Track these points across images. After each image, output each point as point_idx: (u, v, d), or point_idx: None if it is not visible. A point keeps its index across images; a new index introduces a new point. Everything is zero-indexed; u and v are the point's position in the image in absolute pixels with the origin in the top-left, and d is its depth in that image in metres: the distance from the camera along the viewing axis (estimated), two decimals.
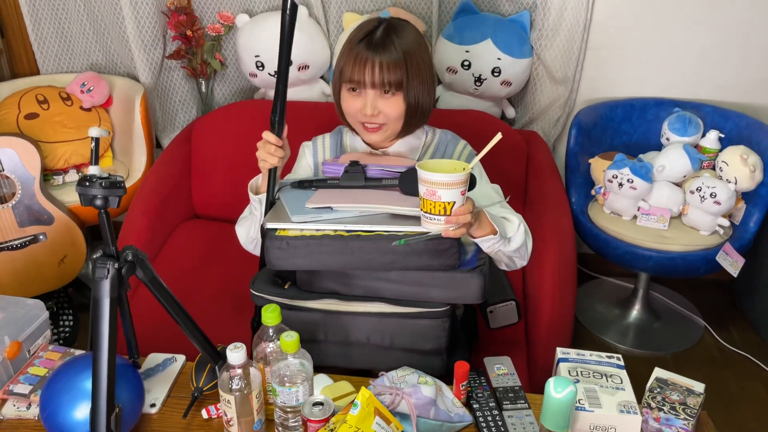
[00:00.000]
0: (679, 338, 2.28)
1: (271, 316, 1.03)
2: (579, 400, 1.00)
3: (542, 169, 2.00)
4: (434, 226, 1.06)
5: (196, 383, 1.12)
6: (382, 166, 1.24)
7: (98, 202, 0.92)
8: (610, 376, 1.07)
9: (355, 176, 1.23)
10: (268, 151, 1.24)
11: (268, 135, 1.24)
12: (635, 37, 2.20)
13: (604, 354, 1.12)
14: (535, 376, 1.52)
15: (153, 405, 1.13)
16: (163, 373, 1.20)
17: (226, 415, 1.01)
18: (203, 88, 2.38)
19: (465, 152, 1.38)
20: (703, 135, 2.12)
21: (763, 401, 2.02)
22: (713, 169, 2.07)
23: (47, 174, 2.17)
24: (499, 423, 1.07)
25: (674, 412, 1.01)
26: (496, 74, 2.13)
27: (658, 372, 1.08)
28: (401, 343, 1.20)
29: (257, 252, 1.35)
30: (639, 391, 1.05)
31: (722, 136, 2.10)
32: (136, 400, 1.07)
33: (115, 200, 0.92)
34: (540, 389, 0.99)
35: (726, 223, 1.96)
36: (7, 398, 1.12)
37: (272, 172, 1.26)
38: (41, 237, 2.03)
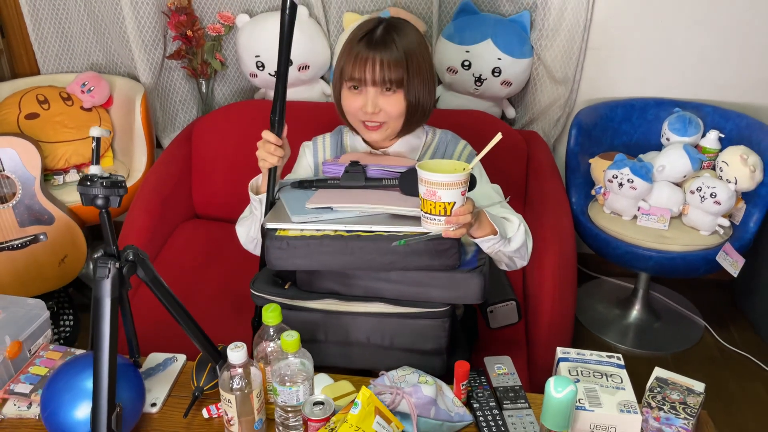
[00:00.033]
0: (680, 338, 2.29)
1: (271, 315, 1.04)
2: (579, 399, 1.00)
3: (542, 169, 2.00)
4: (434, 226, 1.06)
5: (197, 383, 1.12)
6: (383, 166, 1.24)
7: (99, 202, 0.92)
8: (611, 375, 1.07)
9: (356, 176, 1.23)
10: (268, 150, 1.24)
11: (267, 134, 1.24)
12: (635, 37, 2.21)
13: (604, 353, 1.12)
14: (535, 376, 1.52)
15: (154, 404, 1.13)
16: (164, 373, 1.20)
17: (227, 415, 1.01)
18: (203, 88, 2.38)
19: (465, 152, 1.38)
20: (704, 135, 2.12)
21: (764, 401, 2.02)
22: (713, 169, 2.07)
23: (48, 174, 2.17)
24: (500, 422, 1.07)
25: (674, 412, 1.01)
26: (496, 74, 2.13)
27: (658, 371, 1.08)
28: (401, 343, 1.20)
29: (257, 252, 1.35)
30: (639, 391, 1.05)
31: (722, 136, 2.10)
32: (137, 400, 1.07)
33: (116, 200, 0.93)
34: (540, 389, 0.99)
35: (726, 223, 1.96)
36: (8, 398, 1.12)
37: (272, 171, 1.27)
38: (42, 237, 2.04)
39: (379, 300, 1.18)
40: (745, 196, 2.01)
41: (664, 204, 1.99)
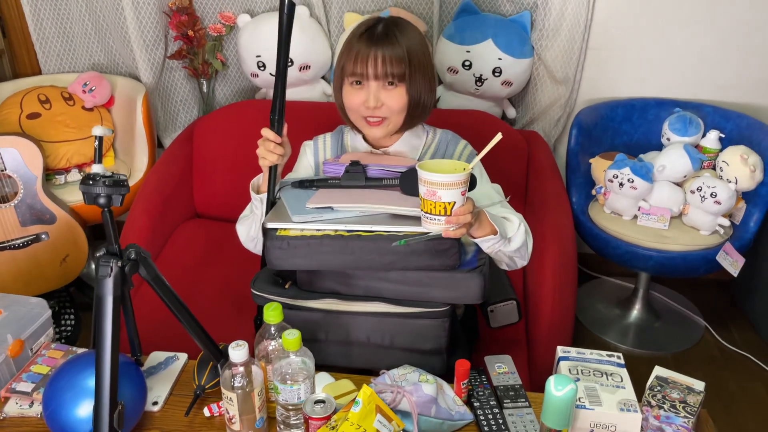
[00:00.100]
0: (680, 338, 2.29)
1: (272, 314, 1.04)
2: (579, 398, 1.00)
3: (543, 169, 2.00)
4: (434, 226, 1.07)
5: (198, 381, 1.13)
6: (383, 166, 1.24)
7: (102, 201, 0.93)
8: (611, 374, 1.07)
9: (356, 176, 1.24)
10: (268, 148, 1.24)
11: (266, 132, 1.25)
12: (636, 37, 2.21)
13: (604, 352, 1.12)
14: (535, 375, 1.52)
15: (155, 403, 1.13)
16: (166, 371, 1.20)
17: (228, 413, 1.01)
18: (204, 88, 2.38)
19: (465, 152, 1.38)
20: (704, 135, 2.13)
21: (764, 401, 2.02)
22: (713, 169, 2.08)
23: (49, 173, 2.17)
24: (500, 421, 1.07)
25: (674, 410, 1.01)
26: (496, 74, 2.14)
27: (658, 370, 1.08)
28: (401, 342, 1.20)
29: (257, 251, 1.35)
30: (639, 390, 1.05)
31: (722, 136, 2.10)
32: (139, 398, 1.07)
33: (119, 198, 0.93)
34: (540, 388, 1.00)
35: (726, 222, 1.96)
36: (10, 396, 1.13)
37: (273, 170, 1.27)
38: (43, 236, 2.04)
39: (380, 300, 1.18)
40: (746, 195, 2.01)
41: (665, 204, 1.99)
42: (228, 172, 2.11)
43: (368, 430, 0.92)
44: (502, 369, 1.18)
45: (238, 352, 0.98)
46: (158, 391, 1.15)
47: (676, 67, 2.23)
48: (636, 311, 2.36)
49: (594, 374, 1.06)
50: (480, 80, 2.15)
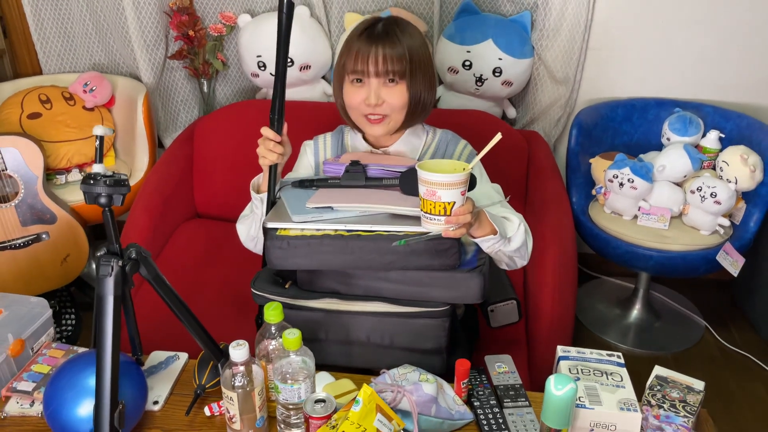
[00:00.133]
0: (680, 338, 2.29)
1: (273, 313, 1.04)
2: (579, 397, 1.01)
3: (543, 169, 2.00)
4: (434, 226, 1.07)
5: (199, 380, 1.13)
6: (383, 166, 1.24)
7: (102, 200, 0.93)
8: (611, 374, 1.07)
9: (356, 176, 1.24)
10: (267, 147, 1.24)
11: (266, 131, 1.25)
12: (636, 37, 2.21)
13: (604, 352, 1.12)
14: (535, 375, 1.52)
15: (156, 402, 1.13)
16: (166, 371, 1.21)
17: (229, 412, 1.02)
18: (205, 88, 2.39)
19: (465, 152, 1.39)
20: (704, 135, 2.13)
21: (764, 401, 2.03)
22: (713, 169, 2.08)
23: (50, 173, 2.17)
24: (500, 420, 1.07)
25: (674, 410, 1.01)
26: (497, 74, 2.14)
27: (658, 370, 1.08)
28: (401, 342, 1.20)
29: (258, 250, 1.35)
30: (640, 390, 1.05)
31: (722, 136, 2.10)
32: (140, 397, 1.08)
33: (119, 198, 0.93)
34: (541, 388, 1.00)
35: (726, 222, 1.96)
36: (11, 395, 1.13)
37: (273, 170, 1.27)
38: (44, 236, 2.04)
39: (380, 299, 1.18)
40: (746, 195, 2.01)
41: (665, 204, 1.99)
42: (228, 172, 2.11)
43: (368, 429, 0.92)
44: (502, 368, 1.19)
45: (238, 351, 0.98)
46: (159, 391, 1.16)
47: (677, 67, 2.23)
48: (636, 311, 2.36)
49: (594, 374, 1.07)
50: (480, 80, 2.15)
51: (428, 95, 1.31)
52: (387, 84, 1.26)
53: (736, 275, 1.94)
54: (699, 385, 1.06)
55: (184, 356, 1.24)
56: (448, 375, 1.14)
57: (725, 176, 1.96)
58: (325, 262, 1.14)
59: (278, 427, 1.05)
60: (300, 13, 2.17)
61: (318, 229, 1.14)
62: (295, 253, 1.14)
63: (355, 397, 0.95)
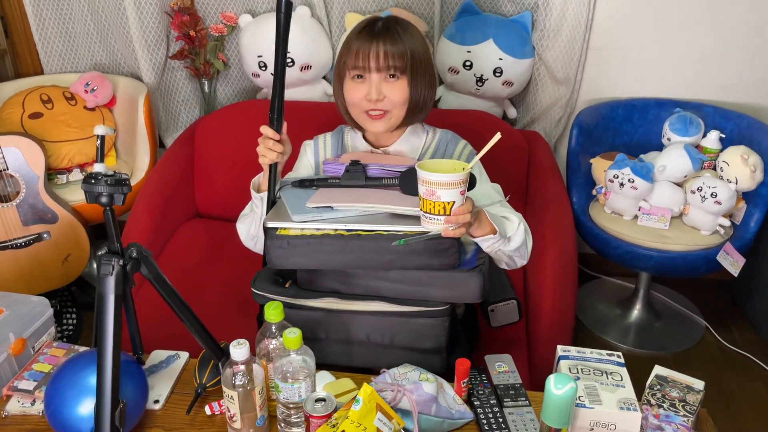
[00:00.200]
0: (680, 338, 2.29)
1: (273, 312, 1.04)
2: (579, 397, 1.01)
3: (543, 169, 2.01)
4: (434, 225, 1.07)
5: (200, 379, 1.13)
6: (383, 166, 1.25)
7: (104, 200, 0.93)
8: (611, 373, 1.07)
9: (356, 175, 1.24)
10: (267, 145, 1.25)
11: (265, 129, 1.25)
12: (636, 37, 2.21)
13: (604, 351, 1.12)
14: (535, 374, 1.52)
15: (157, 401, 1.14)
16: (167, 370, 1.21)
17: (229, 411, 1.02)
18: (206, 88, 2.39)
19: (465, 152, 1.39)
20: (704, 135, 2.13)
21: (764, 401, 2.03)
22: (714, 169, 2.08)
23: (51, 173, 2.18)
24: (500, 420, 1.08)
25: (674, 409, 1.02)
26: (497, 74, 2.14)
27: (657, 369, 1.08)
28: (401, 341, 1.20)
29: (258, 249, 1.36)
30: (640, 390, 1.05)
31: (723, 136, 2.10)
32: (140, 396, 1.08)
33: (120, 197, 0.93)
34: (541, 388, 1.00)
35: (726, 222, 1.97)
36: (12, 394, 1.13)
37: (273, 169, 1.27)
38: (45, 236, 2.05)
39: (379, 299, 1.18)
40: (746, 195, 2.01)
41: (665, 204, 1.99)
42: (229, 171, 2.11)
43: (369, 428, 0.92)
44: (503, 368, 1.19)
45: (239, 350, 0.98)
46: (159, 390, 1.16)
47: (677, 68, 2.24)
48: (636, 311, 2.37)
49: (594, 373, 1.07)
50: (481, 80, 2.15)
51: (428, 93, 1.31)
52: (388, 79, 1.27)
53: (736, 275, 1.94)
54: (699, 384, 1.06)
55: (184, 355, 1.25)
56: (448, 374, 1.14)
57: (726, 176, 1.96)
58: (325, 261, 1.14)
59: (279, 426, 1.05)
60: (301, 13, 2.18)
61: (318, 229, 1.14)
62: (295, 252, 1.14)
63: (355, 396, 0.95)
